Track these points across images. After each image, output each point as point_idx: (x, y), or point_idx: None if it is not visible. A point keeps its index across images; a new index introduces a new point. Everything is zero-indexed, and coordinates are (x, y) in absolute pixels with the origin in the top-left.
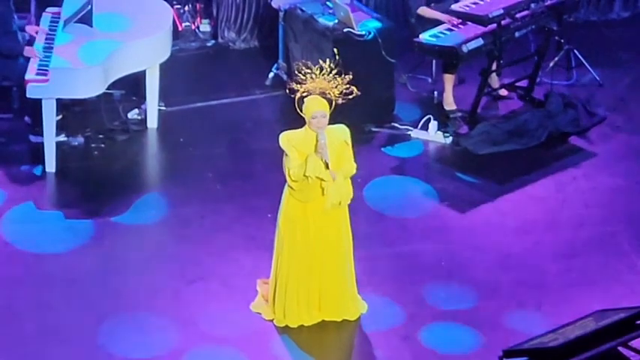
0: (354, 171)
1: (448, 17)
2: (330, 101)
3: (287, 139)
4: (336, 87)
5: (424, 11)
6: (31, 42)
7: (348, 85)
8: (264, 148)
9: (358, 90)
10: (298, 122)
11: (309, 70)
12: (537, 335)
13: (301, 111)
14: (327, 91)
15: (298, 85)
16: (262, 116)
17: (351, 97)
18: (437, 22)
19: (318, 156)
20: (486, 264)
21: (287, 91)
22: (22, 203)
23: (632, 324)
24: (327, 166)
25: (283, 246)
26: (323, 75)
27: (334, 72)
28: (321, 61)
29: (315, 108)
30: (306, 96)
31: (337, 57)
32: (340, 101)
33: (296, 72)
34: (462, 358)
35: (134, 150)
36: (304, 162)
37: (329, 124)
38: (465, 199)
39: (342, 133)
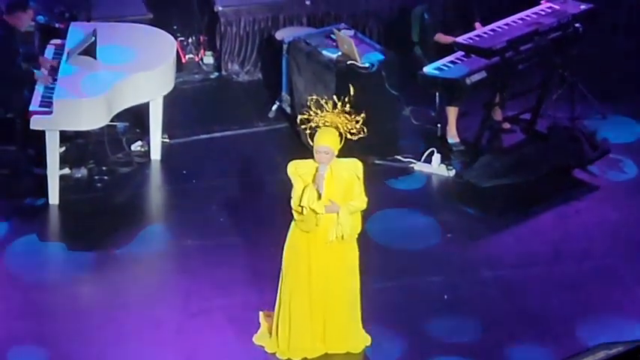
0: (364, 206)
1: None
2: (340, 136)
3: (294, 167)
4: (347, 124)
5: (440, 37)
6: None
7: (359, 125)
8: (267, 180)
9: (362, 122)
10: (300, 155)
11: (322, 104)
12: None
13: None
14: (338, 126)
15: (309, 116)
16: (265, 149)
17: (359, 135)
18: (445, 54)
19: (314, 187)
20: (489, 296)
21: (297, 121)
22: (25, 235)
23: (634, 357)
24: (319, 197)
25: (287, 276)
26: (336, 110)
27: (347, 108)
28: (335, 97)
29: (318, 142)
30: (315, 129)
31: (351, 94)
32: (349, 137)
33: (308, 105)
34: None
35: (137, 182)
36: (302, 192)
37: (340, 157)
38: (468, 231)
39: (353, 167)
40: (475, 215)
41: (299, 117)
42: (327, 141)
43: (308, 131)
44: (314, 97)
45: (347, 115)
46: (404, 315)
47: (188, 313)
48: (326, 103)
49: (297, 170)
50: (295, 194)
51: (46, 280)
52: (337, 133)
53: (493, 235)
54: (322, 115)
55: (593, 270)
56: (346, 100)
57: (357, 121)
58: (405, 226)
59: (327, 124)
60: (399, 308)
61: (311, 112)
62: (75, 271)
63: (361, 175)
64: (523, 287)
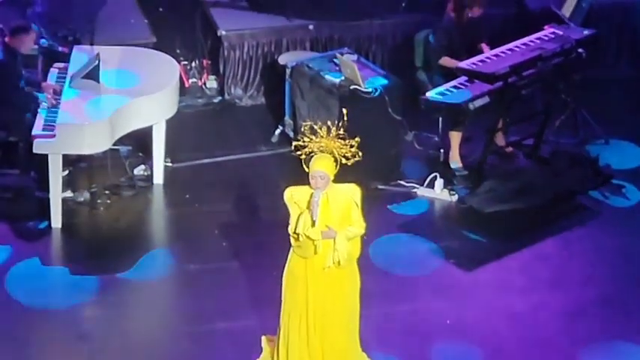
0: (362, 232)
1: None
2: (335, 161)
3: (290, 194)
4: (341, 148)
5: (445, 61)
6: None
7: (353, 149)
8: (269, 205)
9: (365, 147)
10: (304, 180)
11: (316, 130)
12: None
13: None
14: (332, 151)
15: (304, 142)
16: (268, 173)
17: (354, 159)
18: (450, 79)
19: (309, 213)
20: (492, 322)
21: (292, 147)
22: (27, 259)
23: None
24: (313, 224)
25: (285, 301)
26: (330, 135)
27: (341, 134)
28: (329, 122)
29: (314, 167)
30: (311, 154)
31: (345, 118)
32: (344, 162)
33: (302, 130)
34: None
35: (140, 206)
36: (297, 218)
37: (335, 182)
38: (470, 257)
39: (351, 192)
40: (478, 241)
41: (294, 143)
42: (321, 166)
43: (303, 156)
44: (308, 122)
45: (341, 140)
46: (406, 340)
47: (191, 337)
48: (320, 128)
49: (293, 197)
50: (291, 221)
51: (48, 304)
52: (332, 158)
53: (496, 261)
54: (317, 140)
55: (596, 296)
56: (340, 124)
57: (352, 146)
58: (407, 251)
59: (321, 149)
60: (401, 333)
61: (305, 138)
62: (77, 295)
63: (359, 201)
64: (526, 313)
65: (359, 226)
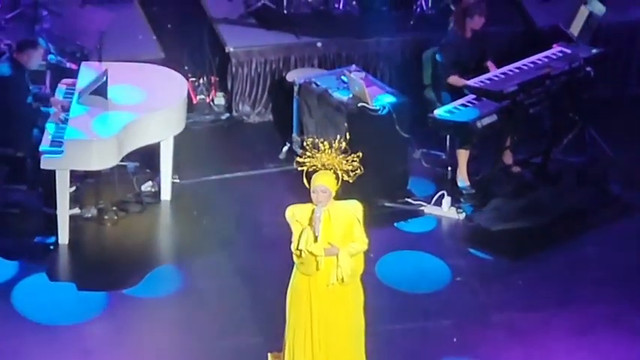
0: (365, 248)
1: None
2: (337, 177)
3: (292, 212)
4: (344, 164)
5: (454, 80)
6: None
7: (355, 165)
8: (277, 222)
9: (372, 164)
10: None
11: (319, 146)
12: None
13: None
14: (334, 167)
15: (306, 159)
16: (276, 190)
17: (357, 174)
18: (457, 97)
19: (311, 229)
20: (498, 340)
21: (294, 164)
22: (34, 274)
23: None
24: (315, 240)
25: (290, 318)
26: (332, 151)
27: (343, 149)
28: (331, 138)
29: (315, 182)
30: (313, 170)
31: (347, 133)
32: (347, 178)
33: (305, 146)
34: None
35: (147, 222)
36: (299, 235)
37: (341, 199)
38: (477, 275)
39: (353, 209)
40: (485, 259)
41: (296, 159)
42: (323, 180)
43: (306, 169)
44: (310, 138)
45: (343, 155)
46: (413, 358)
47: (197, 354)
48: (322, 143)
49: (295, 215)
50: (294, 238)
51: (55, 320)
52: (334, 174)
53: (503, 279)
54: (318, 156)
55: (603, 314)
56: (342, 140)
57: (354, 161)
58: (414, 268)
59: (324, 165)
60: (407, 351)
61: (307, 154)
62: (84, 311)
63: (361, 217)
64: (532, 331)
65: (361, 243)
